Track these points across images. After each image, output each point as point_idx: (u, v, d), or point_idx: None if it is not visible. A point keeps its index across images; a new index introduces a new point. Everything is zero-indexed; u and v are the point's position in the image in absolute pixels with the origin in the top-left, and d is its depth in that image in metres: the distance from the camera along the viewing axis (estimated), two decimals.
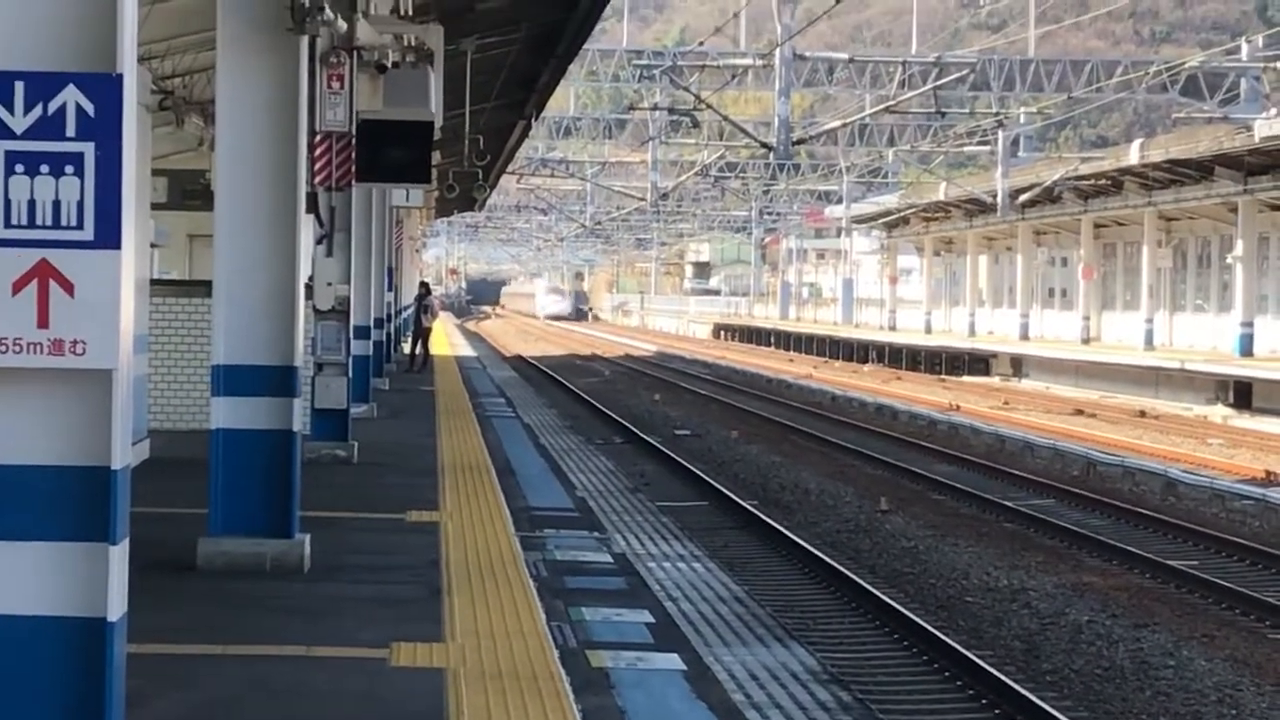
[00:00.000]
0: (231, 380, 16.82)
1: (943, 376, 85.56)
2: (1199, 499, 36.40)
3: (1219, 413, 63.02)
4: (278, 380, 16.86)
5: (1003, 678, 18.85)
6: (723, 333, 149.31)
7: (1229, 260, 70.37)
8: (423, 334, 62.19)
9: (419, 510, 21.49)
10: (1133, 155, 72.12)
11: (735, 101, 71.83)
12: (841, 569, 25.50)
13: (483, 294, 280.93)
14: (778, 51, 62.78)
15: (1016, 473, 41.01)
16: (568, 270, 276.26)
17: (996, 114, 75.69)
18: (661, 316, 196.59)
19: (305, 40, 17.45)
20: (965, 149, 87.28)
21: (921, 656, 20.77)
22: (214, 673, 12.40)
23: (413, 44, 25.52)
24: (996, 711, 18.25)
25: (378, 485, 24.02)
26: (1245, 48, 67.35)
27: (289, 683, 12.30)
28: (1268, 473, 42.04)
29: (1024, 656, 21.10)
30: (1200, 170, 67.55)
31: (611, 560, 21.26)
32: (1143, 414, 63.77)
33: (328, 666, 12.73)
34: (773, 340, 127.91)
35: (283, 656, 13.01)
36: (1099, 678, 20.08)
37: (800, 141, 71.81)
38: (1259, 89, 62.27)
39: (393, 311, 61.23)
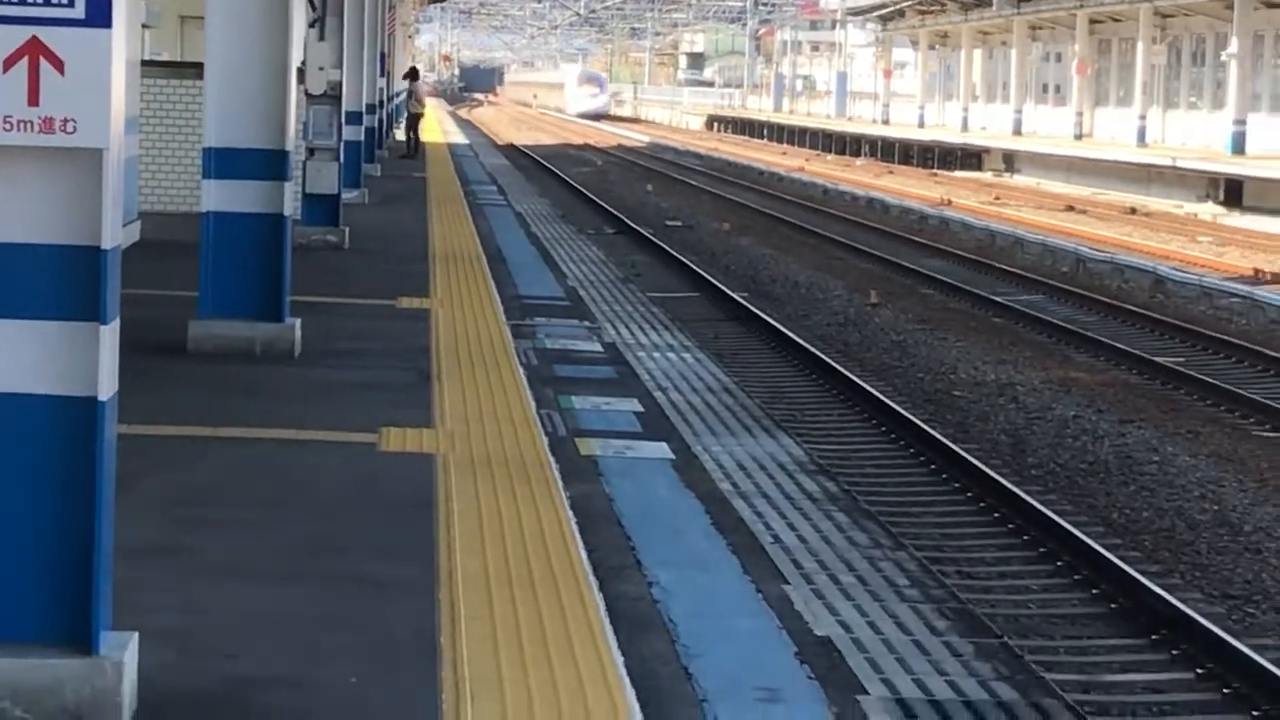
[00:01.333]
0: (223, 163, 16.79)
1: (935, 172, 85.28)
2: (1187, 296, 36.44)
3: (1209, 210, 63.02)
4: (269, 164, 16.83)
5: (989, 470, 18.91)
6: (716, 125, 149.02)
7: (1223, 58, 70.23)
8: (413, 120, 62.14)
9: (410, 297, 21.46)
10: None
11: None
12: (830, 361, 25.51)
13: (476, 81, 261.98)
14: None
15: (1006, 268, 40.98)
16: (561, 59, 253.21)
17: None
18: (655, 107, 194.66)
19: None
20: None
21: (908, 449, 20.83)
22: (203, 454, 12.42)
23: None
24: (982, 504, 18.29)
25: (369, 271, 24.01)
26: None
27: (278, 465, 12.34)
28: (1256, 270, 42.09)
29: (1010, 451, 21.18)
30: None
31: (601, 349, 21.27)
32: (1133, 211, 63.62)
33: (317, 450, 12.76)
34: (765, 133, 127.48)
35: (272, 440, 13.03)
36: (1084, 472, 20.12)
37: None
38: None
39: (385, 97, 60.92)
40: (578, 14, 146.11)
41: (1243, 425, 23.28)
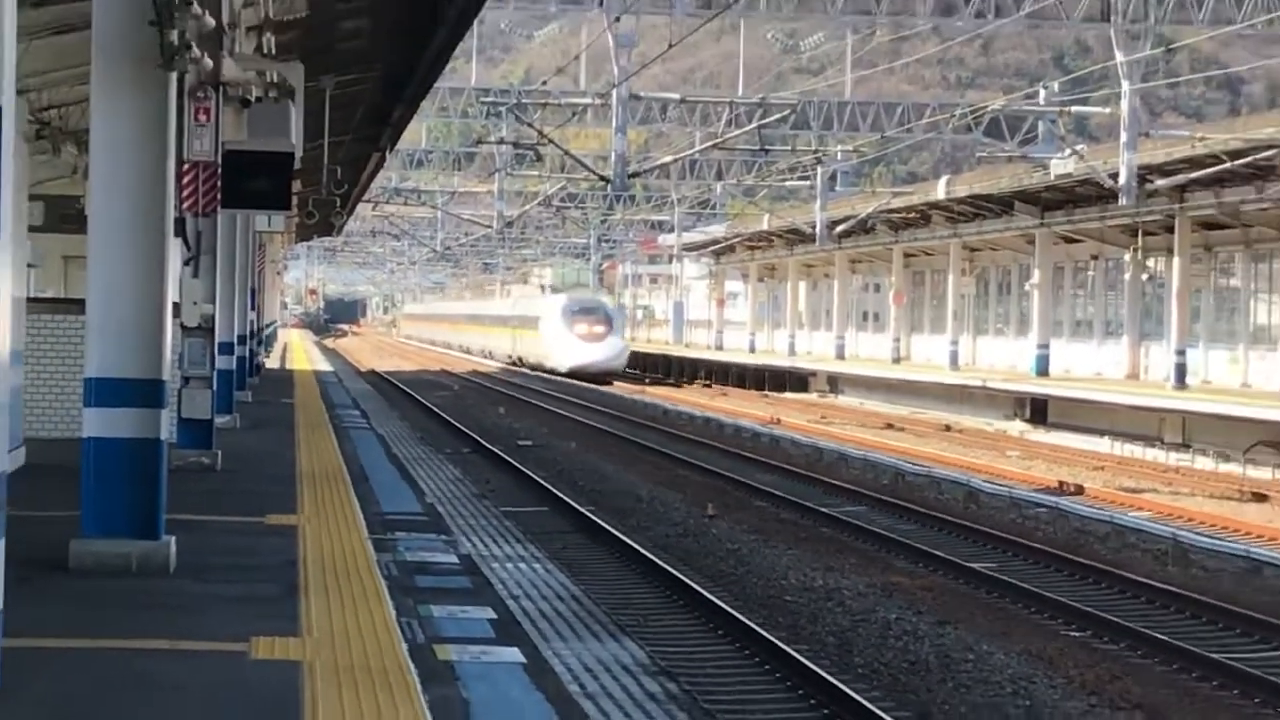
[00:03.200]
0: (103, 392, 16.72)
1: (766, 393, 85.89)
2: (998, 506, 36.78)
3: (1017, 427, 63.72)
4: (146, 392, 16.76)
5: (819, 670, 18.99)
6: None
7: (1027, 288, 71.04)
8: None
9: (278, 514, 21.36)
10: (940, 191, 72.72)
11: (576, 137, 71.95)
12: (670, 569, 25.67)
13: (340, 313, 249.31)
14: (615, 91, 62.81)
15: (832, 482, 41.29)
16: (419, 292, 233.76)
17: (815, 151, 75.93)
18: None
19: (174, 76, 17.35)
20: (787, 183, 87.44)
21: (744, 651, 20.94)
22: (82, 665, 12.27)
23: (275, 80, 25.50)
24: (812, 701, 18.38)
25: (239, 490, 23.89)
26: (1042, 93, 67.63)
27: (153, 674, 12.17)
28: (1060, 483, 42.58)
29: (837, 650, 21.31)
30: (1001, 205, 68.09)
31: (457, 561, 21.24)
32: (948, 428, 64.42)
33: (191, 659, 12.61)
34: None
35: (148, 650, 12.85)
36: (906, 670, 20.29)
37: (635, 175, 71.92)
38: (1055, 131, 62.63)
39: (255, 329, 60.90)
40: (434, 250, 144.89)
41: (1051, 625, 23.51)
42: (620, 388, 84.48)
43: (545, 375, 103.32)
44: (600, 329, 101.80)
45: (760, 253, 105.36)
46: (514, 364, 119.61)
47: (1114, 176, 53.90)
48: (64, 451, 17.78)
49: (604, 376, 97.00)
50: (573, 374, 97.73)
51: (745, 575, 26.97)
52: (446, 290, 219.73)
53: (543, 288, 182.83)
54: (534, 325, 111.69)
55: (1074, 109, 64.40)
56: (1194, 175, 52.87)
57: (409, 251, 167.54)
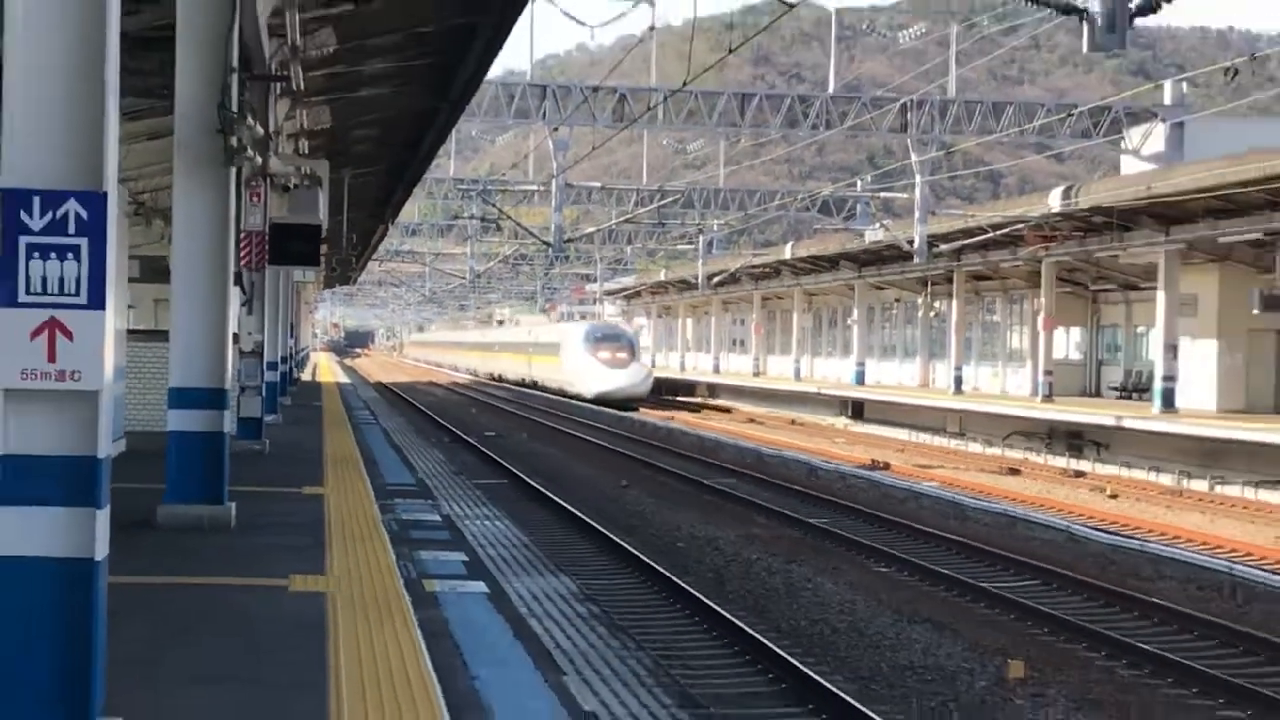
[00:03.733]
0: (181, 398, 16.74)
1: (663, 397, 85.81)
2: (831, 478, 36.77)
3: (843, 422, 64.21)
4: (213, 398, 16.78)
5: (700, 595, 19.07)
6: None
7: (849, 322, 71.80)
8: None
9: (310, 486, 21.33)
10: (787, 253, 73.34)
11: (526, 214, 72.16)
12: (593, 524, 25.69)
13: (355, 341, 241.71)
14: (554, 181, 63.07)
15: (712, 461, 41.25)
16: (415, 325, 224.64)
17: (698, 224, 76.21)
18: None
19: (233, 170, 17.36)
20: (678, 247, 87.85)
21: (646, 582, 21.04)
22: (169, 595, 12.29)
23: (307, 173, 25.41)
24: (696, 618, 18.45)
25: (282, 469, 23.77)
26: (859, 183, 68.21)
27: (220, 601, 12.20)
28: (873, 461, 42.89)
29: (714, 582, 21.33)
30: (830, 263, 68.56)
31: (440, 519, 21.14)
32: (794, 422, 64.87)
33: (246, 591, 12.62)
34: None
35: (215, 585, 12.90)
36: (764, 596, 20.24)
37: (569, 241, 72.34)
38: (868, 210, 62.88)
39: (292, 352, 60.69)
40: (424, 295, 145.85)
41: (867, 564, 23.47)
42: (561, 395, 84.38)
43: (507, 386, 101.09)
44: (624, 355, 77.72)
45: (659, 296, 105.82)
46: (527, 386, 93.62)
47: (910, 243, 54.10)
48: (152, 441, 17.81)
49: (630, 403, 72.64)
50: (598, 400, 72.67)
51: (648, 528, 26.98)
52: (448, 321, 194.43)
53: (509, 320, 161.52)
54: (553, 351, 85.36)
55: (882, 194, 64.57)
56: (967, 241, 53.15)
57: (405, 296, 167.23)
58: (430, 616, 12.59)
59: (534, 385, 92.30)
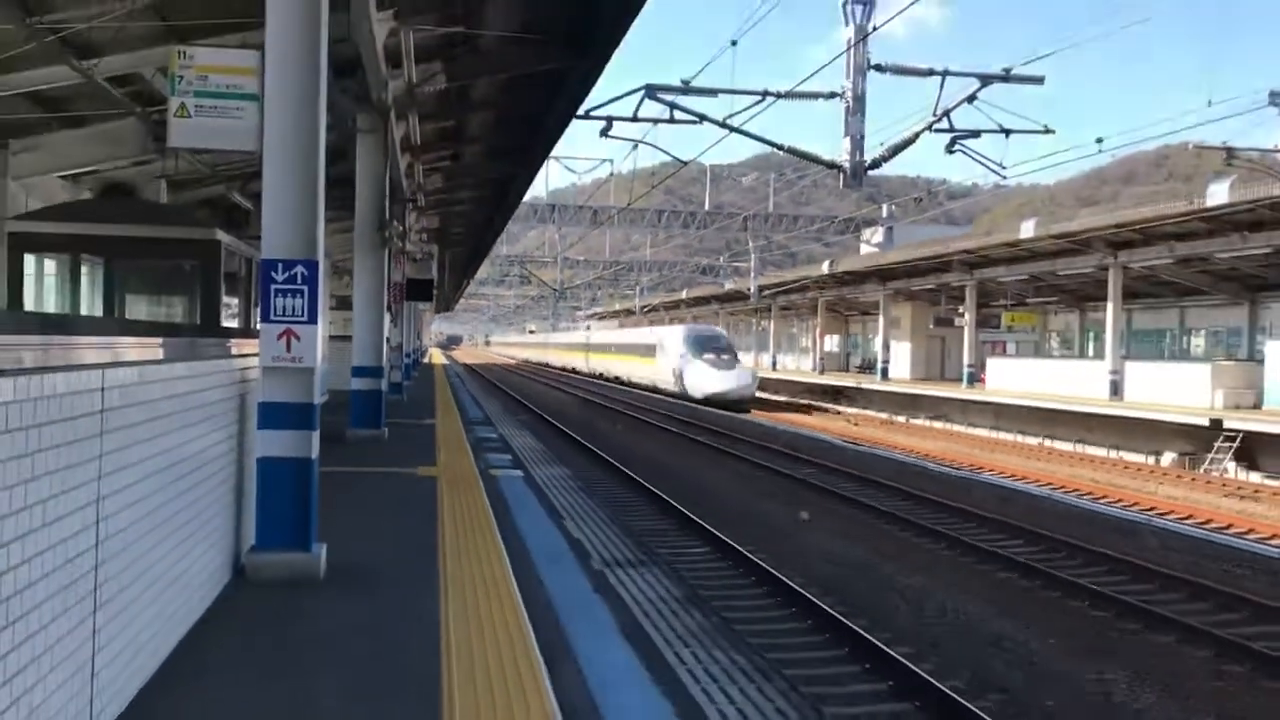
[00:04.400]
0: (358, 371, 16.61)
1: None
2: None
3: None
4: (375, 371, 16.65)
5: (634, 475, 18.16)
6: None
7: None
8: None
9: (429, 418, 21.07)
10: (684, 294, 72.59)
11: (542, 272, 72.42)
12: (585, 443, 24.49)
13: (452, 341, 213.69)
14: (558, 257, 63.46)
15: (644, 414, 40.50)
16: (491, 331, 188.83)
17: (636, 283, 75.84)
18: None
19: (386, 249, 17.30)
20: (626, 292, 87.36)
21: (617, 475, 19.76)
22: (352, 476, 12.16)
23: (426, 251, 25.49)
24: (631, 486, 17.55)
25: (413, 411, 23.38)
26: (722, 259, 68.24)
27: (382, 480, 12.12)
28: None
29: (650, 473, 19.87)
30: (705, 301, 68.07)
31: (498, 438, 21.11)
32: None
33: (395, 475, 12.49)
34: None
35: (380, 471, 12.75)
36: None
37: (566, 289, 72.88)
38: (726, 272, 63.00)
39: (417, 348, 60.02)
40: (490, 318, 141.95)
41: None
42: (579, 374, 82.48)
43: (535, 369, 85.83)
44: (728, 356, 45.15)
45: (617, 318, 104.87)
46: (620, 383, 56.93)
47: (749, 290, 54.19)
48: (341, 397, 17.59)
49: (739, 405, 41.15)
50: (707, 401, 41.74)
51: (625, 448, 25.46)
52: (528, 327, 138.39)
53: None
54: (649, 353, 51.74)
55: (734, 265, 64.63)
56: (779, 289, 53.19)
57: (479, 317, 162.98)
58: (493, 489, 12.61)
59: (626, 382, 56.03)
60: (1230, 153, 18.67)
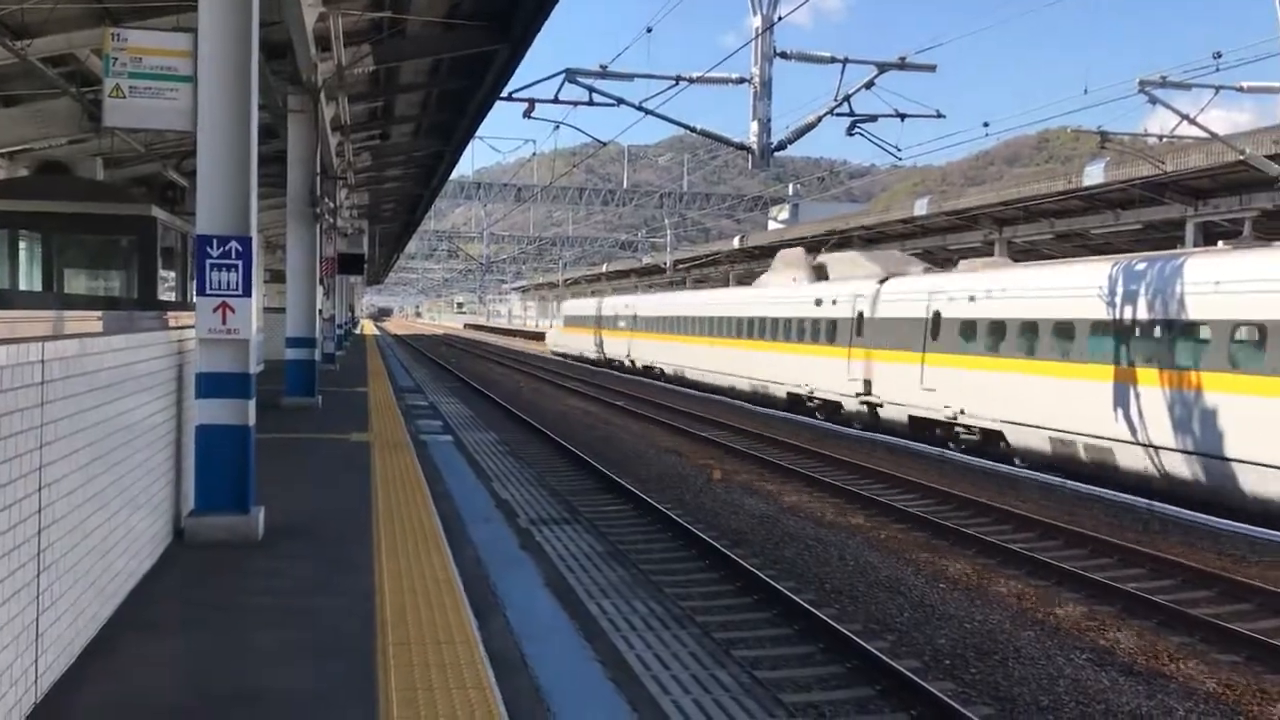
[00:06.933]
0: (292, 342, 16.37)
1: (530, 340, 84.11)
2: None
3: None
4: (308, 342, 16.44)
5: (553, 435, 18.26)
6: (470, 329, 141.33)
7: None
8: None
9: (361, 386, 20.80)
10: (604, 268, 72.52)
11: (469, 247, 71.50)
12: (509, 407, 24.43)
13: (383, 314, 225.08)
14: (484, 233, 62.86)
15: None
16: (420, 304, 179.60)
17: (560, 256, 75.59)
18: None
19: (318, 225, 17.01)
20: (551, 266, 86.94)
21: (538, 434, 19.62)
22: (285, 441, 12.03)
23: (357, 227, 25.07)
24: (556, 449, 17.40)
25: (346, 378, 23.16)
26: (640, 234, 68.25)
27: (312, 442, 11.99)
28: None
29: (561, 428, 20.09)
30: (625, 274, 68.19)
31: (429, 405, 20.94)
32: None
33: (328, 441, 12.38)
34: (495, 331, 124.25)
35: (311, 438, 12.63)
36: (571, 430, 19.70)
37: (493, 263, 72.50)
38: (645, 249, 63.08)
39: (350, 318, 59.21)
40: (418, 290, 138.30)
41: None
42: (478, 334, 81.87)
43: (469, 339, 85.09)
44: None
45: (537, 290, 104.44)
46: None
47: (665, 265, 54.28)
48: (276, 367, 17.32)
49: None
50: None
51: (540, 406, 25.41)
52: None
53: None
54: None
55: (652, 240, 64.66)
56: (693, 263, 53.39)
57: (409, 290, 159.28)
58: (424, 454, 12.48)
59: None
60: (1104, 137, 19.09)
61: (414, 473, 10.05)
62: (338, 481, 9.46)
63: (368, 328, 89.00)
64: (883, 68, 15.69)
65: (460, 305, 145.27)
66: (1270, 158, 18.31)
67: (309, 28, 12.80)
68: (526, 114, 15.06)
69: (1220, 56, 16.77)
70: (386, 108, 20.55)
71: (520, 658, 5.29)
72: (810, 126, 16.50)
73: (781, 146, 16.16)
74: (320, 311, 19.10)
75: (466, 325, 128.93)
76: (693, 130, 16.63)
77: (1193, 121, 17.39)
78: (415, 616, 5.47)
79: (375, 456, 11.05)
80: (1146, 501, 12.89)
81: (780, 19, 15.34)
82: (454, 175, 42.38)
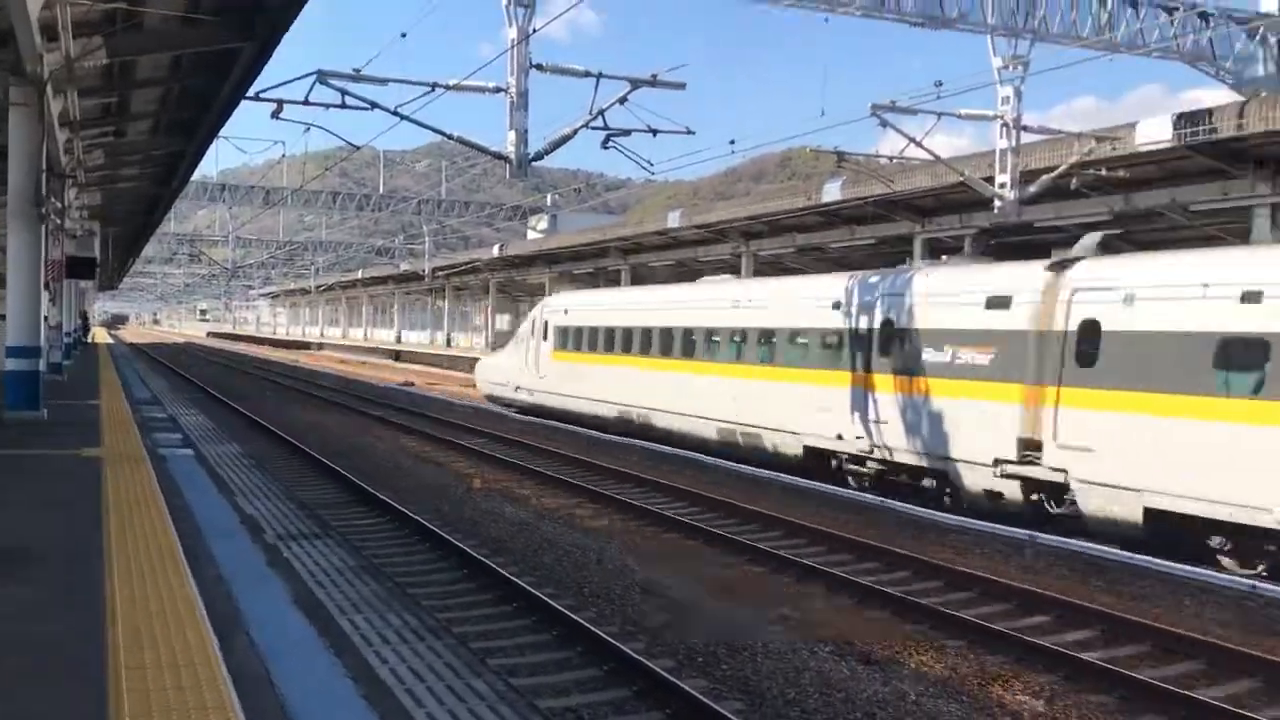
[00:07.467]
0: (14, 351, 15.23)
1: (300, 349, 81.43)
2: (385, 390, 35.60)
3: (390, 362, 62.04)
4: (32, 351, 15.33)
5: (306, 448, 17.76)
6: (214, 337, 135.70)
7: (392, 311, 69.37)
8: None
9: (93, 399, 19.61)
10: (359, 274, 70.70)
11: (215, 251, 67.75)
12: (252, 416, 23.60)
13: (118, 320, 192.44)
14: (230, 236, 59.83)
15: (321, 384, 39.28)
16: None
17: (312, 261, 73.02)
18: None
19: (44, 225, 15.85)
20: (302, 271, 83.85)
21: (279, 441, 19.08)
22: (14, 460, 11.15)
23: (88, 229, 23.50)
24: (308, 462, 17.06)
25: (75, 390, 21.69)
26: (397, 241, 66.94)
27: (39, 460, 11.19)
28: (405, 380, 41.25)
29: (311, 439, 19.42)
30: (382, 281, 66.80)
31: (166, 417, 19.84)
32: (364, 363, 61.97)
33: (57, 456, 11.58)
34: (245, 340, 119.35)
35: (40, 454, 11.78)
36: (337, 448, 19.32)
37: (240, 268, 69.23)
38: (403, 256, 61.87)
39: (83, 325, 55.31)
40: (156, 295, 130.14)
41: (395, 422, 22.83)
42: (227, 344, 78.30)
43: (205, 348, 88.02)
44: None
45: (289, 297, 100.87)
46: None
47: (424, 272, 53.42)
48: None
49: None
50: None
51: (279, 413, 24.60)
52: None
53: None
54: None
55: (410, 246, 63.57)
56: (453, 270, 52.71)
57: (146, 295, 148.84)
58: (162, 470, 11.85)
59: None
60: (841, 156, 20.28)
61: (149, 488, 9.54)
62: (66, 500, 8.84)
63: (101, 336, 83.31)
64: (635, 84, 16.08)
65: (204, 312, 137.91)
66: (986, 179, 19.97)
67: (33, 16, 11.91)
68: (275, 115, 14.51)
69: (941, 85, 18.16)
70: (121, 103, 19.37)
71: (265, 676, 5.11)
72: (567, 138, 16.70)
73: (539, 157, 16.25)
74: (46, 318, 17.79)
75: (210, 334, 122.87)
76: (449, 137, 16.49)
77: (919, 144, 18.73)
78: (151, 639, 5.20)
79: (107, 472, 10.41)
80: (879, 498, 13.94)
81: (535, 31, 15.47)
82: (197, 176, 40.33)
